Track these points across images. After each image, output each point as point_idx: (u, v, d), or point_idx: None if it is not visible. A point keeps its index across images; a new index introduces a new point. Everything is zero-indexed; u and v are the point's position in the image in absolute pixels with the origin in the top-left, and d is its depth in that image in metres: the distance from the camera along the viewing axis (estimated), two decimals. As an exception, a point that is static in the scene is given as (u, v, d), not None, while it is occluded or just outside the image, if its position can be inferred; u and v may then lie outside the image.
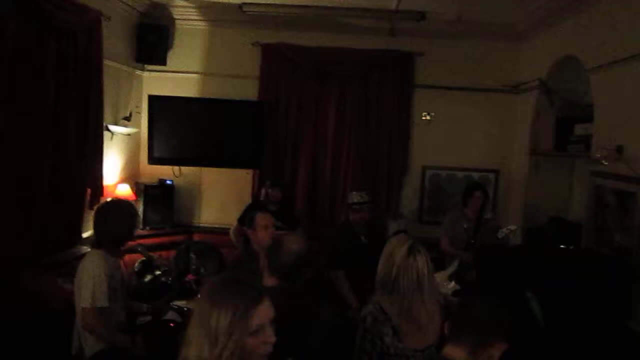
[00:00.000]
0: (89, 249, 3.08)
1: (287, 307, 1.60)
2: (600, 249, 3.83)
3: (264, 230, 3.30)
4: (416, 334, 2.32)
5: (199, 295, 3.65)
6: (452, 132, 5.85)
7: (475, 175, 5.82)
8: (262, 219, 3.36)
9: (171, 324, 3.34)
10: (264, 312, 1.48)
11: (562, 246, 3.94)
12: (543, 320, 2.85)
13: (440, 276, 4.47)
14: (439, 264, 4.64)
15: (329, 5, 5.25)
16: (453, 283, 4.37)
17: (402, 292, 2.27)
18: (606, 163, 3.69)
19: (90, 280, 2.78)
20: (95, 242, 3.00)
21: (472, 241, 4.54)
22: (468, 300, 1.93)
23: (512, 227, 4.41)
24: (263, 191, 5.28)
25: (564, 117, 4.94)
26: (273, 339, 1.49)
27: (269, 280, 2.44)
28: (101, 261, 2.86)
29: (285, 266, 2.42)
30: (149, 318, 3.26)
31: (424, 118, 5.86)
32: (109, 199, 3.55)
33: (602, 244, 3.82)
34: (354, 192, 4.39)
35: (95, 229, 3.02)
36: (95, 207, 3.13)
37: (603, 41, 3.93)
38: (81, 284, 2.83)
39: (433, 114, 5.85)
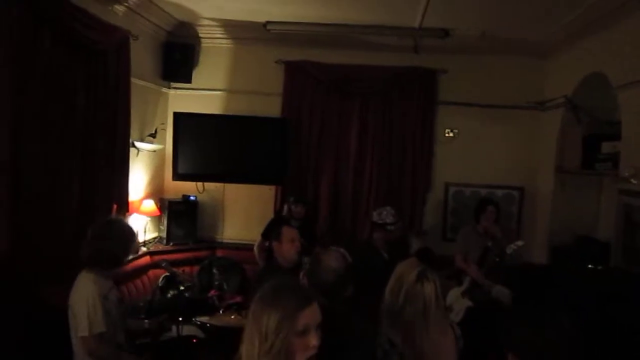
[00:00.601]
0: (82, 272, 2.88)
1: (325, 324, 1.61)
2: (629, 268, 3.73)
3: (289, 243, 3.33)
4: None
5: (221, 311, 3.68)
6: (475, 149, 5.79)
7: (499, 192, 5.73)
8: (288, 232, 3.40)
9: (194, 340, 3.35)
10: (311, 314, 1.58)
11: (590, 266, 3.87)
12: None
13: (454, 292, 4.45)
14: (457, 279, 4.62)
15: (352, 23, 5.28)
16: (466, 299, 4.33)
17: (407, 321, 2.22)
18: (635, 182, 3.63)
19: (85, 307, 2.69)
20: (88, 262, 2.84)
21: (497, 259, 4.46)
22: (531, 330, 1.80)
23: (520, 243, 4.38)
24: (286, 207, 5.30)
25: (591, 134, 4.86)
26: (317, 342, 1.57)
27: None
28: (94, 285, 2.76)
29: (325, 284, 2.39)
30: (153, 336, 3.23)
31: (447, 135, 5.82)
32: (107, 218, 3.36)
33: (632, 263, 3.73)
34: (384, 211, 4.23)
35: (90, 248, 2.84)
36: (90, 226, 2.93)
37: (631, 58, 3.87)
38: (76, 311, 2.74)
39: (456, 130, 5.81)
